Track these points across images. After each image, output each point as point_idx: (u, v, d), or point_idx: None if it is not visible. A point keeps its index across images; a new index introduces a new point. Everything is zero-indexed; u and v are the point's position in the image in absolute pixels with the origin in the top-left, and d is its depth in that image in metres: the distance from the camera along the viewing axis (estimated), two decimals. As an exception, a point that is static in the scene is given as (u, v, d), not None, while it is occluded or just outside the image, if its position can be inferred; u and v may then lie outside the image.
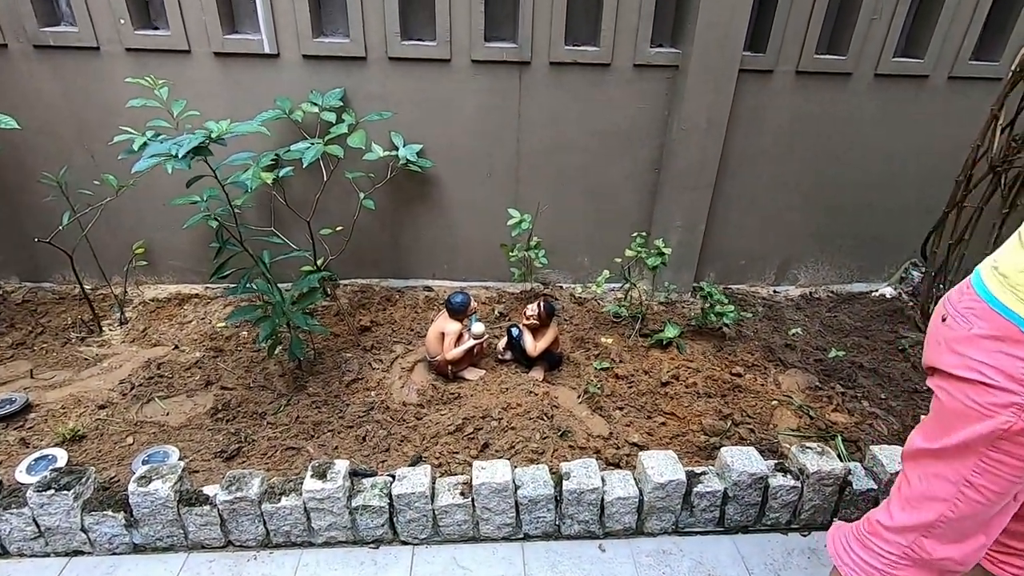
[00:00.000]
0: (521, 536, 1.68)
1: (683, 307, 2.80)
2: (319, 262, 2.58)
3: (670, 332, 2.43)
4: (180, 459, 1.79)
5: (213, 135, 1.42)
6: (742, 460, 1.66)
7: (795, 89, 2.55)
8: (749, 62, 2.44)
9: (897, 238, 2.93)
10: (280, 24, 2.30)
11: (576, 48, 2.43)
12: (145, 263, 2.69)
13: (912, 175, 2.77)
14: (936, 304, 1.06)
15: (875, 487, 1.69)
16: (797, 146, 2.68)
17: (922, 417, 1.19)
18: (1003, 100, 2.12)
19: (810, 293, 3.01)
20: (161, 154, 1.36)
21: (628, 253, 2.46)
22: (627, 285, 2.59)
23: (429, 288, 2.87)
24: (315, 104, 2.36)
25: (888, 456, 1.71)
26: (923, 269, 2.64)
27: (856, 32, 2.44)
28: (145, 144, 1.43)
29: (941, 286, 2.54)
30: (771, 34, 2.41)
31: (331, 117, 2.36)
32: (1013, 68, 2.05)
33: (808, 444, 1.76)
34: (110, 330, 2.49)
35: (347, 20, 2.33)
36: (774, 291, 3.02)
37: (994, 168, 2.20)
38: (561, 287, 2.93)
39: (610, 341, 2.50)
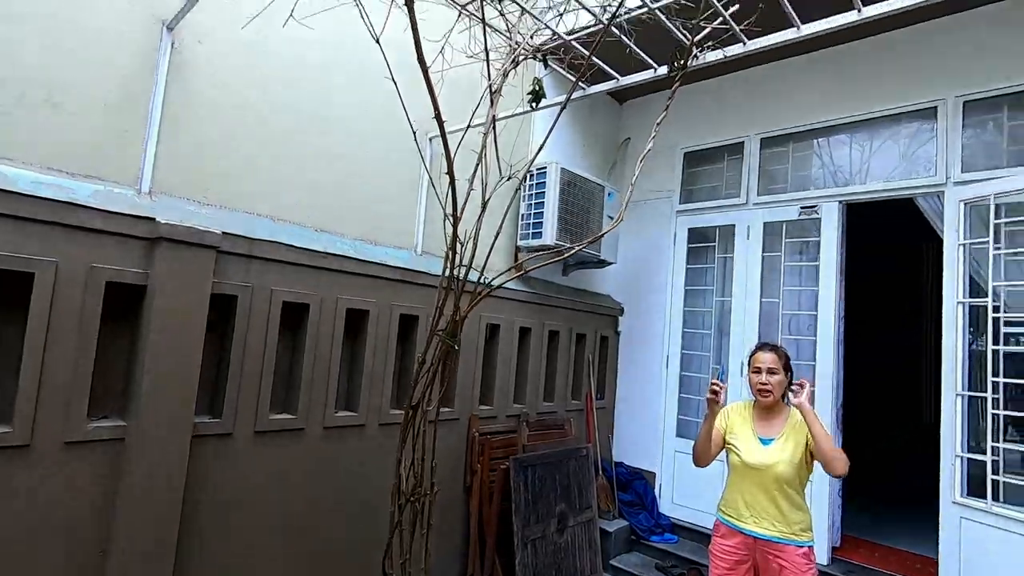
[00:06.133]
0: None
1: None
2: None
3: None
4: None
5: None
6: None
7: (257, 447, 2.81)
8: (204, 428, 2.61)
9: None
10: None
11: (-21, 431, 2.08)
12: None
13: (374, 506, 3.30)
14: None
15: None
16: (270, 499, 2.84)
17: None
18: (403, 440, 2.88)
19: (305, 641, 2.93)
20: None
21: None
22: None
23: None
24: None
25: None
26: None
27: (301, 396, 2.99)
28: None
29: (405, 602, 2.90)
30: (224, 403, 2.69)
31: None
32: (406, 406, 2.85)
33: None
34: None
35: None
36: (266, 653, 2.81)
37: (408, 499, 2.85)
38: None
39: None
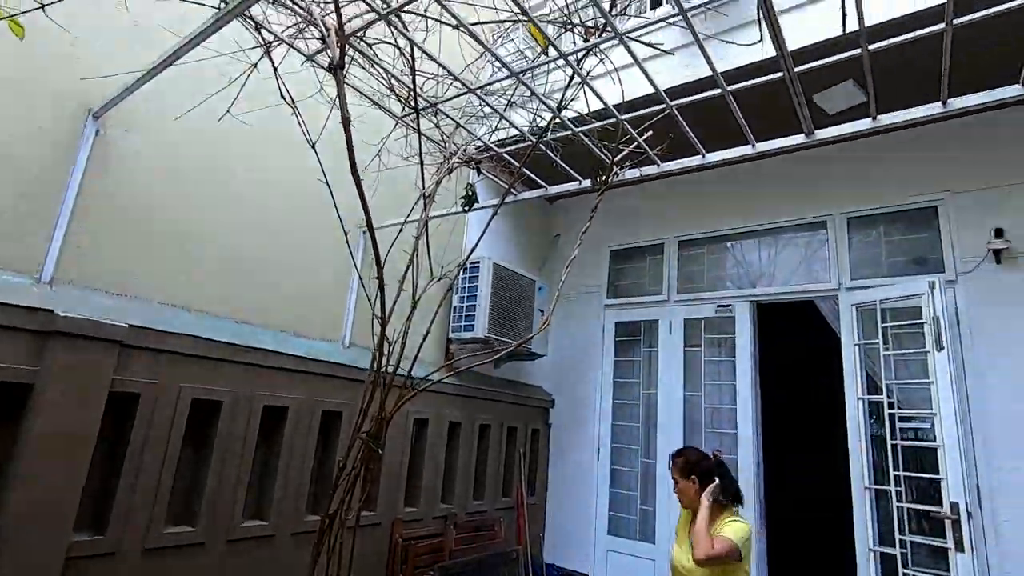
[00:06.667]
0: None
1: None
2: None
3: None
4: None
5: None
6: None
7: (145, 566, 2.49)
8: (83, 548, 2.29)
9: None
10: None
11: None
12: None
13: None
14: None
15: None
16: (152, 625, 2.50)
17: None
18: (316, 555, 2.64)
19: None
20: None
21: None
22: None
23: None
24: None
25: None
26: None
27: (204, 505, 2.71)
28: None
29: None
30: (112, 516, 2.40)
31: None
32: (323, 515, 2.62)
33: None
34: None
35: None
36: None
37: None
38: None
39: None
